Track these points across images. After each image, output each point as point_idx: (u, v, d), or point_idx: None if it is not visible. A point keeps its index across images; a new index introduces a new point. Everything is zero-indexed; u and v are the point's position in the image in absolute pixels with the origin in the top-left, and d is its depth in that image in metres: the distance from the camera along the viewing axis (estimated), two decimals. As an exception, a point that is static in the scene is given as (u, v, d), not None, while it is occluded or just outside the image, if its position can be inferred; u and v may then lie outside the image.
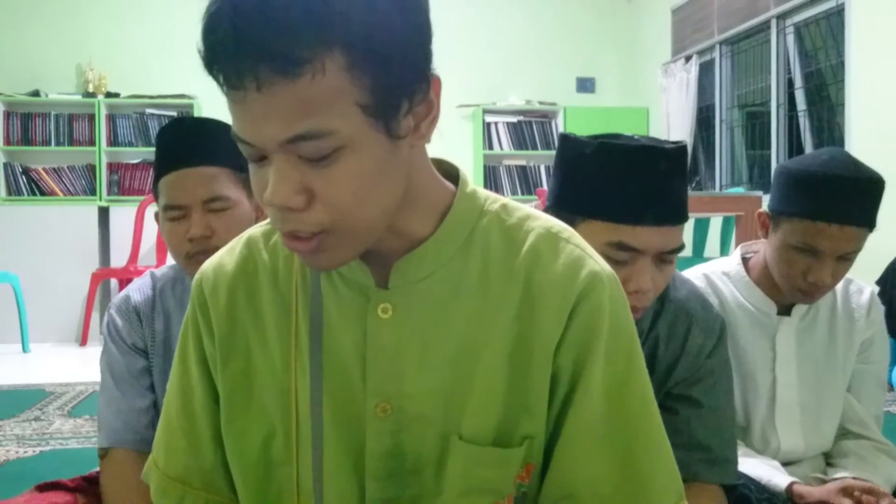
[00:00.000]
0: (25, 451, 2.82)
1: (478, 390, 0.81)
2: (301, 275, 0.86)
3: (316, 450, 0.84)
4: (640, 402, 0.84)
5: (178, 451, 0.92)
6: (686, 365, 1.21)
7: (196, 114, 6.72)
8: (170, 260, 1.46)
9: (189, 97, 6.71)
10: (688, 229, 5.06)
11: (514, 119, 7.37)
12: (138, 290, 1.48)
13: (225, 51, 0.66)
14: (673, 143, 1.13)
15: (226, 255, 0.90)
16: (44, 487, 1.42)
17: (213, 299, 0.88)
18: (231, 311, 0.88)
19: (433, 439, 0.83)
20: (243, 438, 0.88)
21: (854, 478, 1.42)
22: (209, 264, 0.91)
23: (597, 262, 0.83)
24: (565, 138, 1.17)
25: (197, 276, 0.91)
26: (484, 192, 0.87)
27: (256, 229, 0.91)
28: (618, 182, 1.10)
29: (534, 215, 0.86)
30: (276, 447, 0.87)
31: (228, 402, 0.88)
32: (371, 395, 0.83)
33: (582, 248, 0.84)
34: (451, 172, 0.87)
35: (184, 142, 1.38)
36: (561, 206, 1.16)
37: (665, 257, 1.13)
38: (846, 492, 1.37)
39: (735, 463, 1.23)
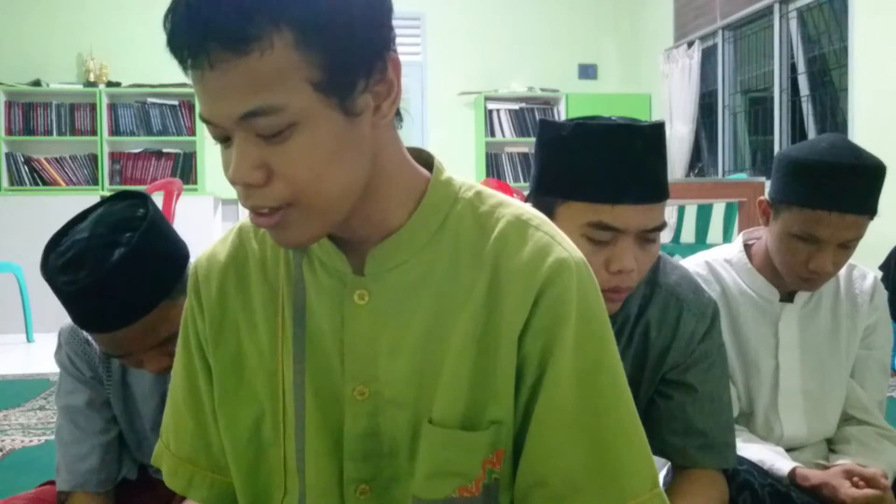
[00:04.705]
0: (30, 441, 2.84)
1: (447, 375, 0.82)
2: (286, 262, 0.88)
3: (298, 431, 0.86)
4: (612, 390, 0.83)
5: (187, 433, 0.95)
6: (679, 350, 1.21)
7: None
8: None
9: (190, 86, 6.66)
10: (690, 216, 5.05)
11: (516, 106, 7.33)
12: None
13: (181, 31, 0.69)
14: (649, 122, 1.13)
15: (219, 245, 0.93)
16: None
17: (206, 286, 0.91)
18: (222, 298, 0.90)
19: (406, 423, 0.84)
20: (235, 420, 0.90)
21: (857, 465, 1.42)
22: (204, 254, 0.94)
23: (565, 249, 0.83)
24: (543, 123, 1.18)
25: (193, 264, 0.94)
26: (459, 180, 0.88)
27: (248, 220, 0.93)
28: (595, 162, 1.10)
29: (506, 202, 0.86)
30: (265, 429, 0.89)
31: (220, 384, 0.91)
32: (349, 379, 0.85)
33: (551, 235, 0.84)
34: (428, 161, 0.88)
35: (99, 312, 1.17)
36: (542, 189, 1.16)
37: (647, 236, 1.13)
38: (848, 475, 1.37)
39: (733, 447, 1.23)
